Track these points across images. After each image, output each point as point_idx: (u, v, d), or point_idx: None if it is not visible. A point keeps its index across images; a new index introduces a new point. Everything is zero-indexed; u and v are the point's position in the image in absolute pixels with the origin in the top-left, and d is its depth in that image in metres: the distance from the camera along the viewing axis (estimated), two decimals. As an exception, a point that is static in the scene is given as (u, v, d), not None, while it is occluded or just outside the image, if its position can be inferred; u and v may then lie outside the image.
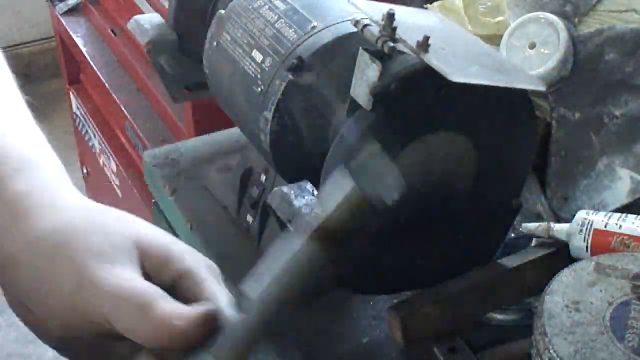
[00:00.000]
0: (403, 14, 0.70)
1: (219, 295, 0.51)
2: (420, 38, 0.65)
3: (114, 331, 0.48)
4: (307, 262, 0.46)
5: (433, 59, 0.64)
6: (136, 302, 0.47)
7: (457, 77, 0.62)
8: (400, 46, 0.67)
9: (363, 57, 0.68)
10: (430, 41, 0.65)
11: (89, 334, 0.50)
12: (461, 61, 0.67)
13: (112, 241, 0.50)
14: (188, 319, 0.47)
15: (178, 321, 0.47)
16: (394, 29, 0.67)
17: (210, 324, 0.48)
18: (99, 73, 1.83)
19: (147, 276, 0.51)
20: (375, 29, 0.69)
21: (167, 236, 0.54)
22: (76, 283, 0.48)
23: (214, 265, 0.54)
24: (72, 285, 0.48)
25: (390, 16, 0.67)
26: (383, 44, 0.67)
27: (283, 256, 0.46)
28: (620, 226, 0.78)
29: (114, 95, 1.77)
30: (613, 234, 0.78)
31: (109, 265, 0.49)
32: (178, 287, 0.51)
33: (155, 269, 0.51)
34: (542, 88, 0.69)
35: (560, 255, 0.81)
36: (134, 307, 0.47)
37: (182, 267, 0.52)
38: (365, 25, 0.70)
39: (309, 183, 0.74)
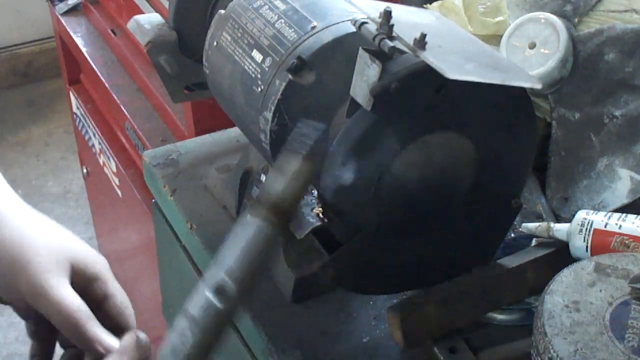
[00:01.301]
0: (400, 12, 0.70)
1: (120, 298, 0.68)
2: (418, 36, 0.65)
3: None
4: (264, 240, 0.53)
5: (430, 57, 0.64)
6: (72, 321, 0.64)
7: (453, 74, 0.62)
8: (397, 43, 0.67)
9: (363, 57, 0.68)
10: (427, 39, 0.65)
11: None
12: (458, 58, 0.67)
13: (55, 259, 0.66)
14: (107, 348, 0.64)
15: (99, 346, 0.64)
16: (391, 26, 0.67)
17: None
18: (99, 73, 1.83)
19: (77, 290, 0.66)
20: (372, 27, 0.69)
21: (98, 257, 0.69)
22: (32, 292, 0.65)
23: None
24: (29, 292, 0.65)
25: (387, 14, 0.67)
26: (380, 42, 0.67)
27: (241, 240, 0.53)
28: (620, 226, 0.78)
29: (114, 95, 1.77)
30: (613, 234, 0.78)
31: (54, 281, 0.65)
32: (103, 307, 0.67)
33: (84, 285, 0.67)
34: (538, 86, 0.68)
35: (560, 255, 0.81)
36: (71, 325, 0.64)
37: (107, 291, 0.68)
38: (362, 23, 0.70)
39: (309, 183, 0.74)
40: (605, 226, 0.79)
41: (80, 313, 0.64)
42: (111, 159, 1.81)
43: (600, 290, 0.69)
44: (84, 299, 0.66)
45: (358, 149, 0.70)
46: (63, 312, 0.64)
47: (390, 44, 0.67)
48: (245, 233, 0.53)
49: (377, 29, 0.68)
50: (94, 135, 1.93)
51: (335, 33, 0.78)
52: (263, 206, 0.53)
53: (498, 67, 0.70)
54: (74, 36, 1.95)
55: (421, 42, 0.65)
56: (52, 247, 0.67)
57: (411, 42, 0.65)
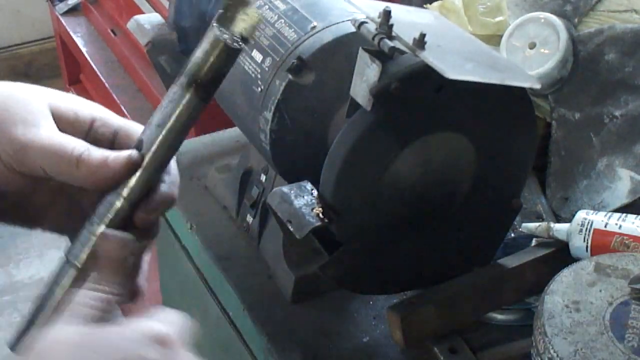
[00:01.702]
0: (399, 11, 0.71)
1: (131, 127, 0.60)
2: (417, 35, 0.65)
3: (52, 179, 0.57)
4: (183, 110, 0.57)
5: (429, 56, 0.64)
6: (69, 154, 0.55)
7: (453, 74, 0.62)
8: (396, 43, 0.67)
9: (363, 57, 0.68)
10: (426, 38, 0.65)
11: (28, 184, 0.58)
12: (457, 58, 0.67)
13: (30, 109, 0.57)
14: (118, 160, 0.56)
15: (113, 164, 0.55)
16: (391, 26, 0.67)
17: (136, 163, 0.56)
18: (99, 73, 1.84)
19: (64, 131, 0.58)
20: (371, 26, 0.69)
21: (88, 102, 0.61)
22: (11, 149, 0.56)
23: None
24: (7, 152, 0.56)
25: (387, 14, 0.67)
26: (380, 42, 0.67)
27: (167, 106, 0.57)
28: (620, 226, 0.78)
29: (114, 95, 1.77)
30: (613, 234, 0.78)
31: (34, 129, 0.56)
32: (92, 133, 0.59)
33: (69, 124, 0.58)
34: (537, 86, 0.69)
35: (560, 255, 0.81)
36: (68, 158, 0.55)
37: (93, 115, 0.59)
38: (362, 23, 0.70)
39: (309, 183, 0.74)
40: (605, 226, 0.79)
41: (73, 142, 0.56)
42: (111, 159, 1.81)
43: (600, 290, 0.69)
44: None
45: (358, 148, 0.70)
46: (54, 147, 0.55)
47: (390, 43, 0.67)
48: (173, 105, 0.57)
49: (376, 29, 0.68)
50: (94, 135, 1.93)
51: (335, 33, 0.78)
52: (185, 77, 0.57)
53: (497, 66, 0.70)
54: (74, 36, 1.95)
55: (420, 42, 0.65)
56: (25, 99, 0.58)
57: (410, 42, 0.65)
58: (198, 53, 0.56)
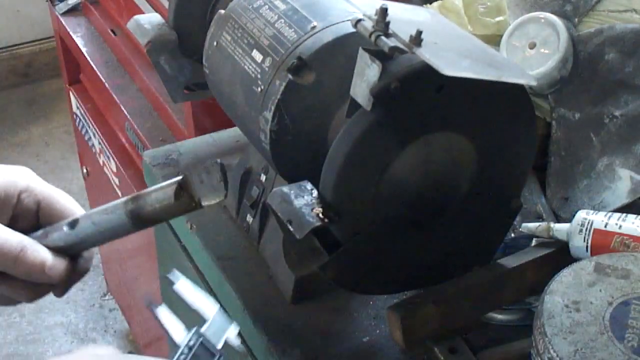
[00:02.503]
0: (396, 9, 0.71)
1: (54, 197, 0.68)
2: (413, 32, 0.65)
3: None
4: (117, 225, 0.65)
5: (426, 53, 0.64)
6: (10, 254, 0.63)
7: (449, 71, 0.62)
8: (393, 40, 0.67)
9: (363, 57, 0.68)
10: (422, 36, 0.65)
11: None
12: (453, 55, 0.67)
13: None
14: (54, 270, 0.64)
15: (50, 272, 0.64)
16: (387, 23, 0.67)
17: (67, 270, 0.65)
18: (99, 73, 1.83)
19: (14, 218, 0.66)
20: (368, 24, 0.69)
21: (15, 169, 0.69)
22: None
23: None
24: None
25: (384, 11, 0.67)
26: (376, 39, 0.67)
27: (107, 215, 0.65)
28: (620, 226, 0.78)
29: (114, 95, 1.77)
30: (613, 234, 0.78)
31: None
32: (18, 205, 0.66)
33: (12, 206, 0.66)
34: (533, 83, 0.69)
35: (560, 255, 0.81)
36: (9, 257, 0.63)
37: (18, 187, 0.67)
38: (359, 21, 0.70)
39: (309, 183, 0.74)
40: (605, 226, 0.79)
41: (9, 244, 0.63)
42: (111, 158, 1.81)
43: (600, 290, 0.69)
44: (19, 223, 0.65)
45: (358, 148, 0.70)
46: None
47: (387, 41, 0.67)
48: (113, 218, 0.66)
49: (373, 26, 0.68)
50: (94, 135, 1.93)
51: (335, 33, 0.78)
52: (132, 203, 0.64)
53: (494, 64, 0.69)
54: (74, 36, 1.95)
55: (417, 39, 0.65)
56: None
57: (407, 39, 0.65)
58: (156, 193, 0.63)
